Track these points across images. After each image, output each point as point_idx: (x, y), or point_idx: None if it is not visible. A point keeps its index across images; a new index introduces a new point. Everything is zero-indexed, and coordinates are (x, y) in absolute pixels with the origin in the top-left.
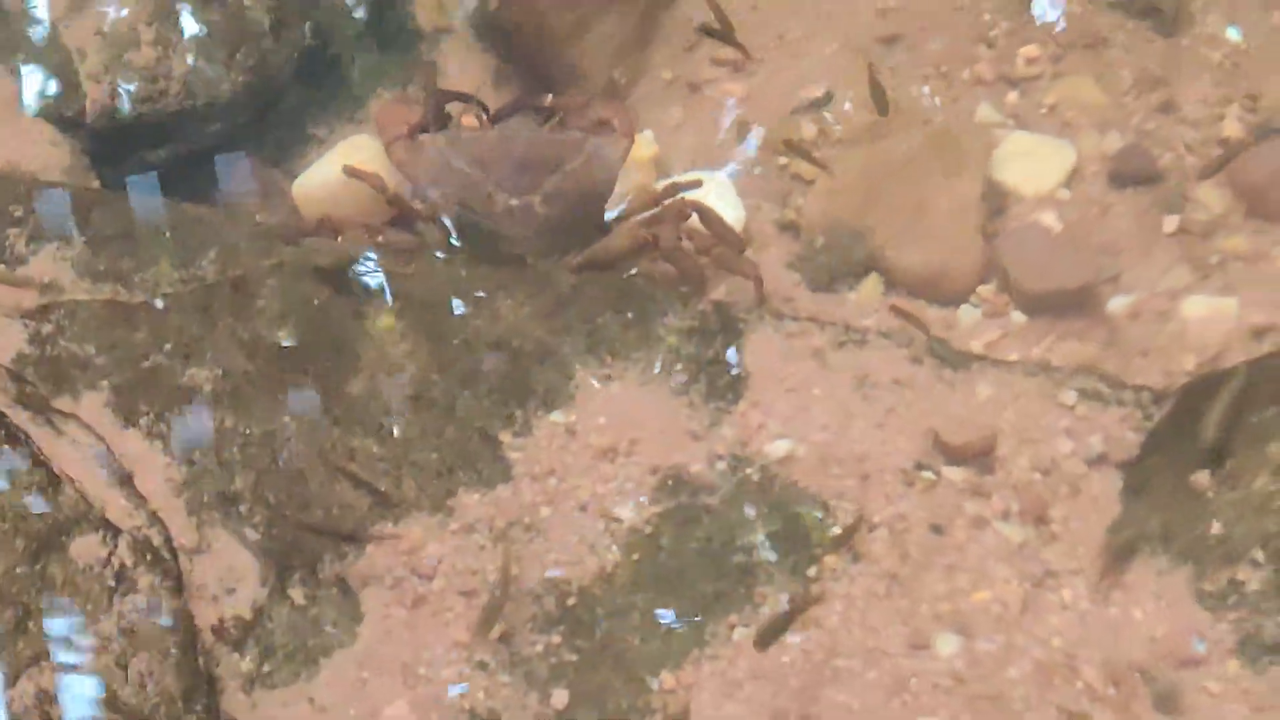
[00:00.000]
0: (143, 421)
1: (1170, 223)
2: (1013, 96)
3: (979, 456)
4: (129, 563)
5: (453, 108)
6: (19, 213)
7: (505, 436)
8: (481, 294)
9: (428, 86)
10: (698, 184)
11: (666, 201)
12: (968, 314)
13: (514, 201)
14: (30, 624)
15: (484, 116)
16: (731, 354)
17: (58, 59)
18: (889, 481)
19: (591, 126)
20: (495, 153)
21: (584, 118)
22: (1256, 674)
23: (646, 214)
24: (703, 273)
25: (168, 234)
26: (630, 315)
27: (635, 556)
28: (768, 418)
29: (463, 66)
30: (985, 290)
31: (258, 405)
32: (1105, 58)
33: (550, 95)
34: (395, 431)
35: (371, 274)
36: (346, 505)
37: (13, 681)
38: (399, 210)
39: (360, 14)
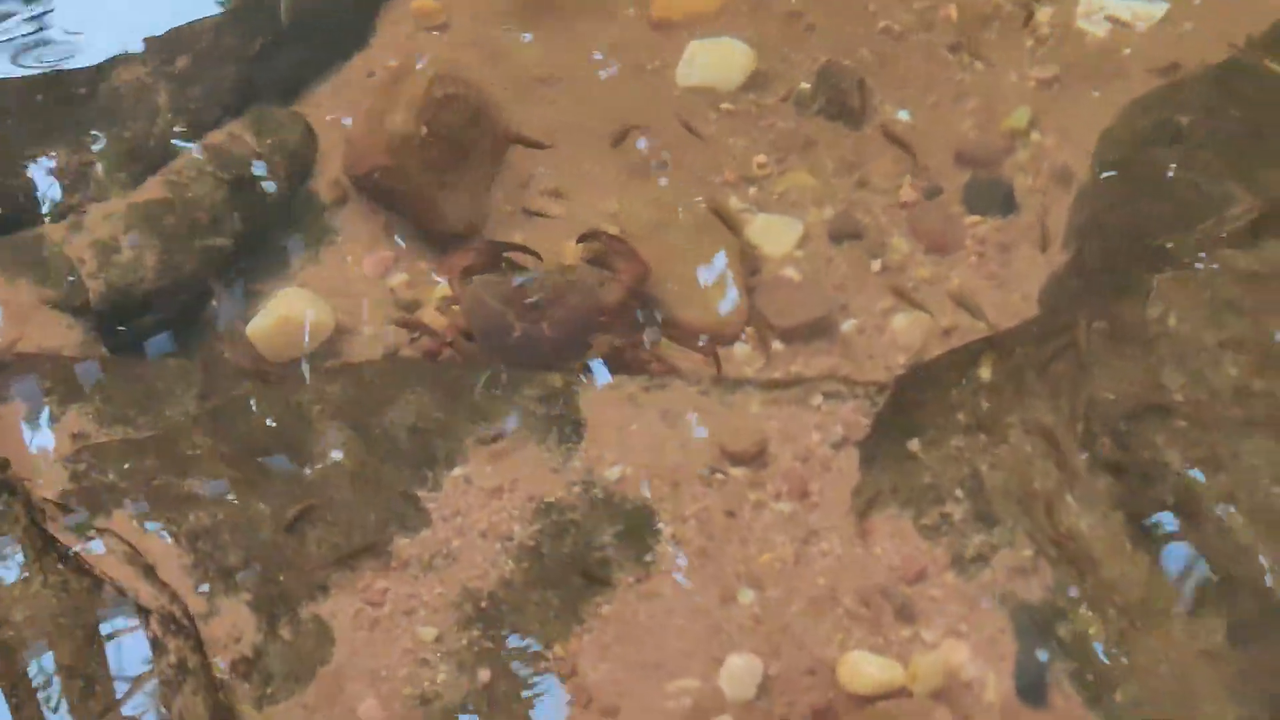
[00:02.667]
0: (157, 525)
1: (875, 265)
2: (753, 191)
3: (755, 457)
4: (160, 634)
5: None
6: (49, 384)
7: (422, 493)
8: (393, 392)
9: (481, 246)
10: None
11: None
12: (740, 349)
13: (529, 327)
14: (97, 687)
15: (535, 257)
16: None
17: (65, 267)
18: (694, 485)
19: (609, 267)
20: (514, 292)
21: (613, 257)
22: (967, 580)
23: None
24: (672, 368)
25: (158, 384)
26: (498, 391)
27: (525, 565)
28: (604, 450)
29: (361, 223)
30: (751, 330)
31: (240, 499)
32: (814, 155)
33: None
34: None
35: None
36: (316, 558)
37: None
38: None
39: (276, 199)
